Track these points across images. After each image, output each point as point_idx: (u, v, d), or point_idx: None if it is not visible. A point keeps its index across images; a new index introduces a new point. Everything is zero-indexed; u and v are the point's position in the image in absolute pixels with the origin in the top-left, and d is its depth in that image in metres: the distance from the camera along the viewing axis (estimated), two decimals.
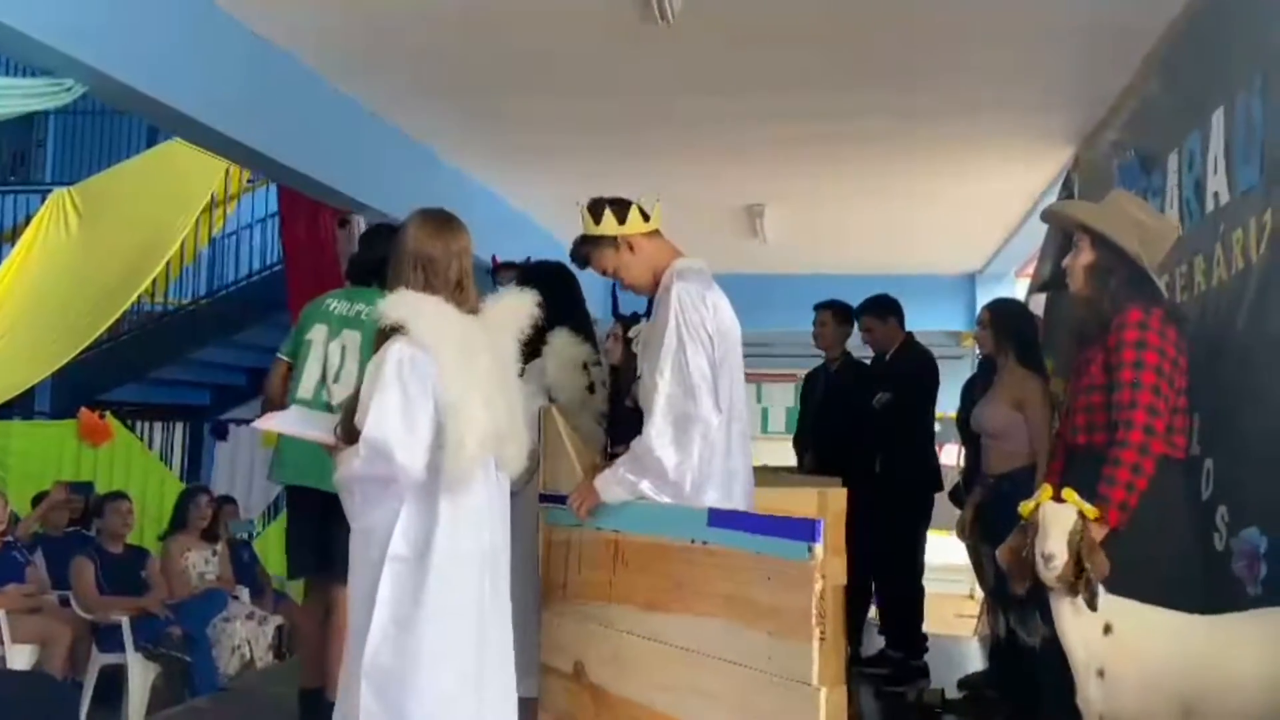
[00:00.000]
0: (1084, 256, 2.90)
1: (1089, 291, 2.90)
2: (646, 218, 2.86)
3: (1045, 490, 2.66)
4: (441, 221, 2.59)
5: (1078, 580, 2.50)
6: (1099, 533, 2.65)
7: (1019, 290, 9.09)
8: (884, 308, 5.11)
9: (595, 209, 2.86)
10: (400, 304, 2.45)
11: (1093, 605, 2.49)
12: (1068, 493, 2.59)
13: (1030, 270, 7.92)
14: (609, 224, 2.84)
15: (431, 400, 2.38)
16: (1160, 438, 2.67)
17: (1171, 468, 2.73)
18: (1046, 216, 3.46)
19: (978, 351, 5.06)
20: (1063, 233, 5.05)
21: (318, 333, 3.62)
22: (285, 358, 3.71)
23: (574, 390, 3.21)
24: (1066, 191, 5.67)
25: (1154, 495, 2.66)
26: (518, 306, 2.62)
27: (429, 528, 2.40)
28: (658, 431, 2.64)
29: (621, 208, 2.85)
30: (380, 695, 2.37)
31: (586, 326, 3.44)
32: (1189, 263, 3.45)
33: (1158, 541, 2.67)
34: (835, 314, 5.30)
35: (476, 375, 2.43)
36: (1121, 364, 2.71)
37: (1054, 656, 2.66)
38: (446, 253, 2.54)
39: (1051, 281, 5.24)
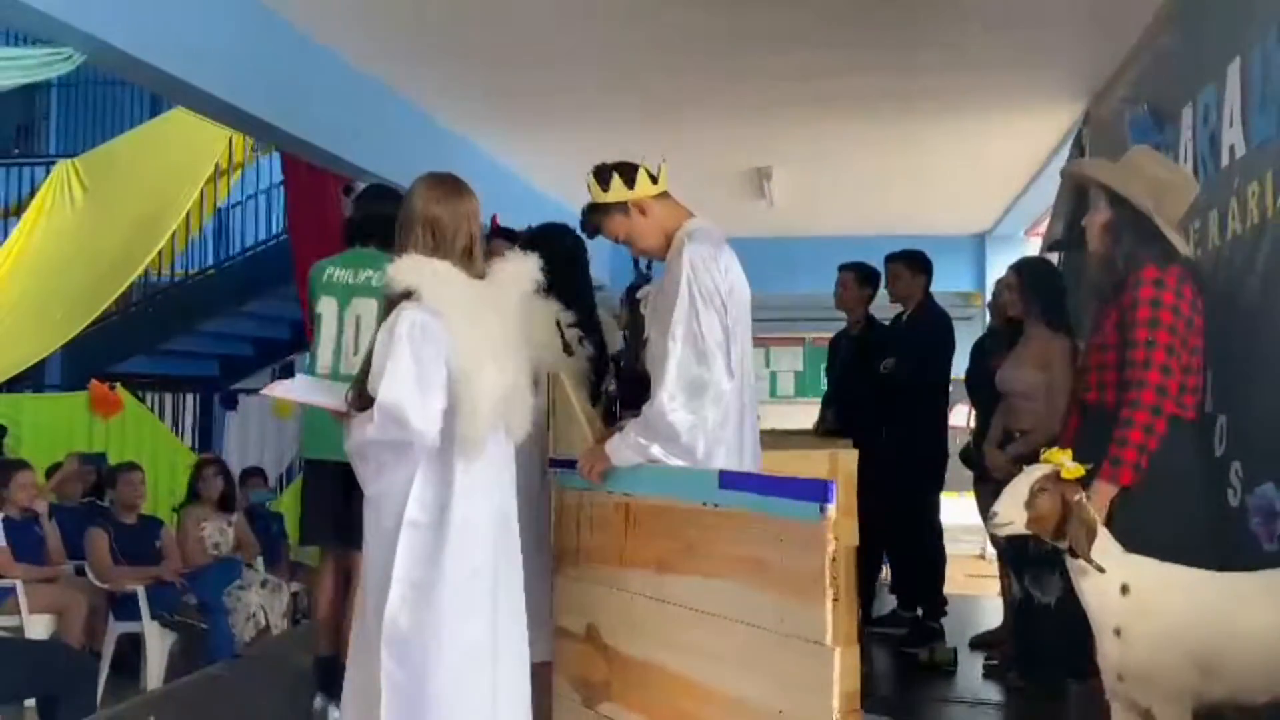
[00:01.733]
0: (1100, 215, 2.87)
1: (1105, 250, 2.87)
2: (654, 180, 2.82)
3: (1053, 452, 2.64)
4: (449, 185, 2.57)
5: (1060, 539, 2.51)
6: (1104, 493, 2.64)
7: (1029, 251, 9.04)
8: (917, 261, 5.06)
9: (602, 175, 2.82)
10: (410, 269, 2.43)
11: (1097, 568, 2.48)
12: (1053, 453, 2.57)
13: (1041, 230, 7.86)
14: (617, 189, 2.80)
15: (444, 365, 2.38)
16: (1172, 398, 2.65)
17: (1181, 427, 2.72)
18: (1065, 175, 3.42)
19: (988, 314, 5.02)
20: (1075, 191, 5.04)
21: (327, 306, 3.59)
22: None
23: (547, 352, 3.10)
24: (1077, 149, 5.61)
25: (1165, 455, 2.65)
26: (521, 270, 2.60)
27: (444, 493, 2.41)
28: (669, 395, 2.62)
29: (628, 171, 2.81)
30: (401, 660, 2.38)
31: (577, 289, 3.35)
32: (1203, 218, 3.41)
33: (1170, 501, 2.66)
34: (857, 275, 5.26)
35: (487, 339, 2.43)
36: (1136, 323, 2.69)
37: (1072, 615, 2.66)
38: (455, 216, 2.52)
39: (1064, 241, 5.21)
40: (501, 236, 3.88)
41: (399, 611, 2.39)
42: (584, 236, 3.11)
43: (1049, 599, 3.98)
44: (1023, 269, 4.33)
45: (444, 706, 2.37)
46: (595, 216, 2.87)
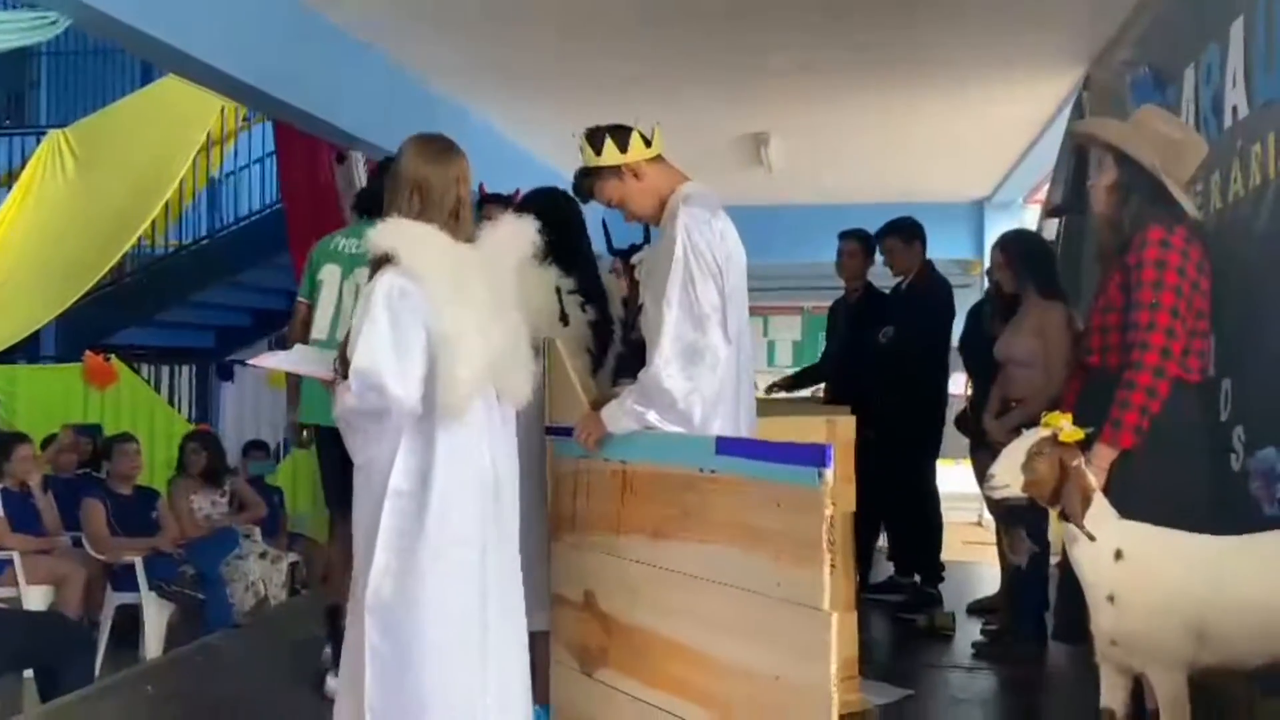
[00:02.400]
0: (1107, 175, 2.84)
1: (1111, 211, 2.84)
2: (648, 143, 2.78)
3: (1053, 415, 2.62)
4: (439, 147, 2.52)
5: (1056, 504, 2.51)
6: (1104, 456, 2.62)
7: (1028, 217, 8.99)
8: (909, 231, 5.03)
9: (594, 138, 2.78)
10: (390, 232, 2.38)
11: (1088, 535, 2.47)
12: (1053, 416, 2.57)
13: (1040, 196, 7.81)
14: (610, 153, 2.76)
15: (424, 331, 2.33)
16: (1176, 360, 2.62)
17: (1185, 390, 2.70)
18: (1071, 136, 3.38)
19: (986, 282, 4.99)
20: (1076, 155, 4.99)
21: (329, 273, 3.63)
22: (304, 300, 3.72)
23: (542, 319, 3.07)
24: (1077, 113, 5.55)
25: (1167, 418, 2.63)
26: (516, 234, 2.55)
27: (428, 461, 2.36)
28: (665, 362, 2.59)
29: (622, 135, 2.76)
30: (384, 630, 2.36)
31: (575, 255, 3.33)
32: (1205, 180, 3.37)
33: (1172, 464, 2.64)
34: (862, 244, 5.23)
35: (470, 304, 2.37)
36: (1141, 284, 2.66)
37: (1064, 579, 2.66)
38: (444, 179, 2.46)
39: (1065, 206, 5.17)
40: (491, 203, 3.85)
41: (382, 581, 2.36)
42: (579, 201, 3.07)
43: (1020, 560, 4.00)
44: (1008, 245, 4.31)
45: (428, 677, 2.34)
46: (587, 180, 2.83)
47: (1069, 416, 2.58)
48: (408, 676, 2.34)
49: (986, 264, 5.29)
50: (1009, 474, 2.56)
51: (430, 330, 2.33)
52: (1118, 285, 2.77)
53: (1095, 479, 2.57)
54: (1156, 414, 2.62)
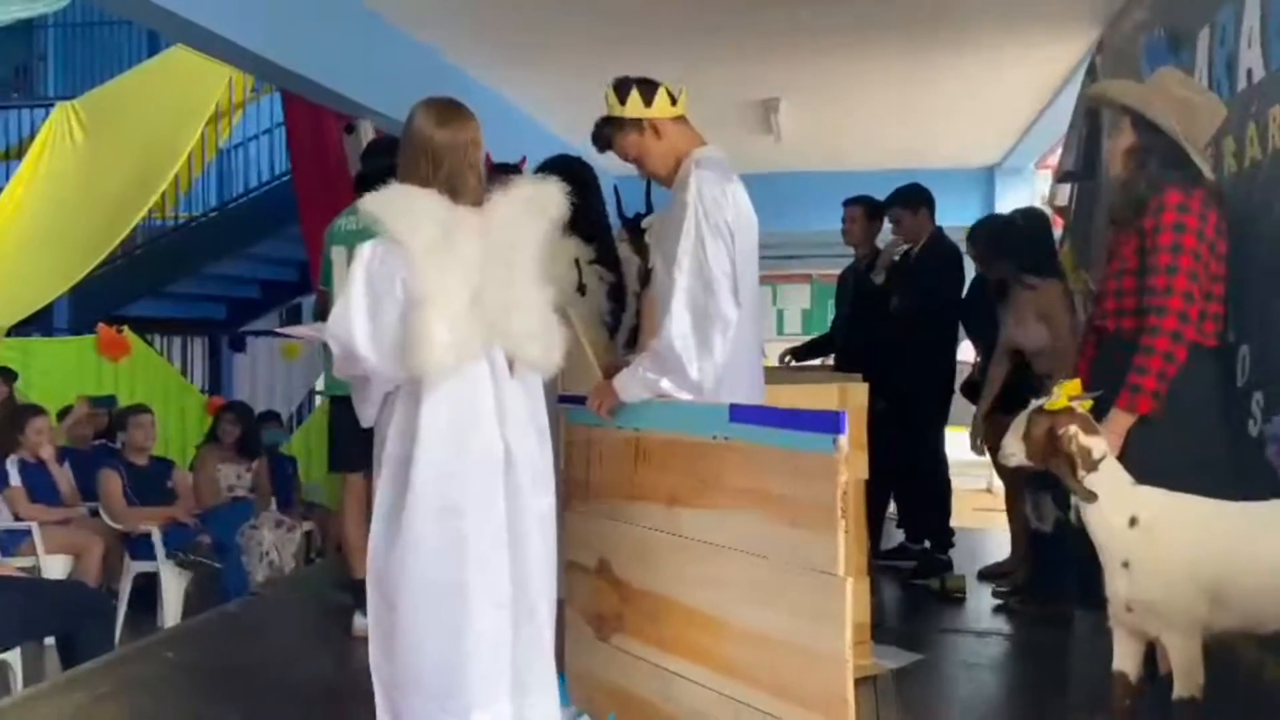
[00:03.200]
0: (1124, 139, 2.81)
1: (1128, 174, 2.82)
2: (674, 101, 2.75)
3: (1065, 385, 2.64)
4: (449, 110, 2.47)
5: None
6: (1121, 421, 2.63)
7: (1040, 183, 8.94)
8: (914, 198, 5.00)
9: (621, 89, 2.75)
10: (375, 200, 2.35)
11: (1086, 494, 2.51)
12: (1065, 385, 2.59)
13: (1051, 162, 7.76)
14: (634, 105, 2.73)
15: (402, 294, 2.29)
16: (1193, 325, 2.62)
17: (1202, 355, 2.69)
18: (1087, 98, 3.36)
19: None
20: (1089, 120, 4.96)
21: (338, 254, 3.72)
22: (323, 288, 3.82)
23: (559, 289, 3.05)
24: (1090, 76, 5.50)
25: (1185, 383, 2.62)
26: (535, 195, 2.47)
27: (413, 426, 2.33)
28: (677, 329, 2.58)
29: (649, 89, 2.73)
30: (378, 589, 2.39)
31: (594, 225, 3.33)
32: (1219, 143, 3.34)
33: (1189, 430, 2.64)
34: (865, 209, 5.21)
35: (459, 267, 2.31)
36: (1158, 248, 2.64)
37: (1079, 544, 2.67)
38: (454, 141, 2.41)
39: (1077, 171, 5.14)
40: (499, 172, 3.86)
41: (377, 543, 2.38)
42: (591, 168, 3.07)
43: (1046, 526, 4.02)
44: (978, 239, 4.32)
45: (410, 642, 2.34)
46: (608, 129, 2.80)
47: (1076, 385, 2.60)
48: (400, 641, 2.35)
49: None
50: (1013, 443, 2.65)
51: (410, 292, 2.29)
52: (1133, 249, 2.75)
53: (1111, 444, 2.58)
54: (1173, 379, 2.61)
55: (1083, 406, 2.61)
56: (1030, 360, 4.13)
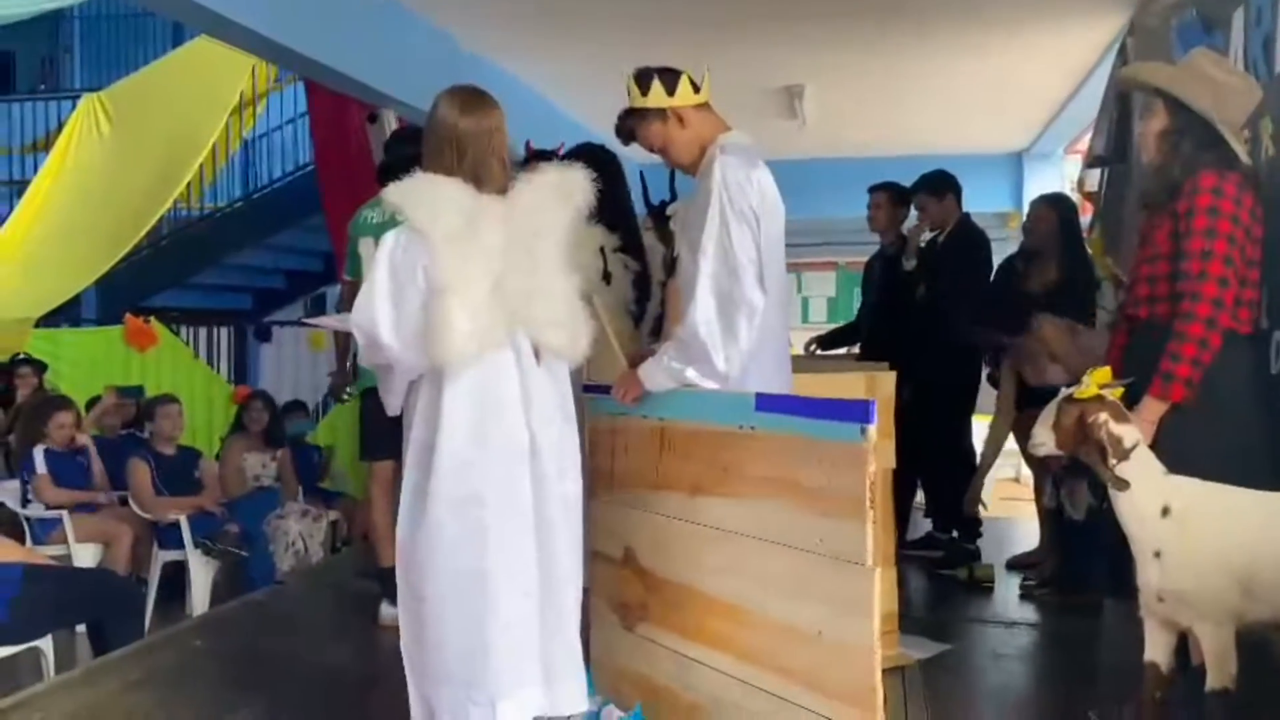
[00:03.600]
0: (1156, 121, 2.76)
1: (1161, 158, 2.76)
2: (696, 89, 2.72)
3: (1095, 372, 2.61)
4: (473, 98, 2.46)
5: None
6: (1153, 410, 2.59)
7: (1069, 168, 8.83)
8: (939, 184, 4.96)
9: (642, 79, 2.72)
10: (398, 190, 2.35)
11: (1118, 482, 2.49)
12: (1095, 373, 2.57)
13: (1080, 147, 7.65)
14: (657, 95, 2.70)
15: (424, 283, 2.29)
16: (1228, 311, 2.57)
17: (1237, 342, 2.64)
18: (1119, 81, 3.30)
19: (1023, 236, 4.92)
20: (1120, 103, 4.88)
21: (365, 246, 3.75)
22: (349, 277, 3.85)
23: (585, 273, 3.03)
24: (1121, 59, 5.41)
25: (1219, 370, 2.58)
26: (561, 182, 2.46)
27: (435, 414, 2.34)
28: (702, 317, 2.56)
29: (671, 78, 2.70)
30: (406, 576, 2.41)
31: (619, 212, 3.31)
32: (1254, 126, 3.27)
33: (1223, 419, 2.60)
34: (890, 195, 5.17)
35: (481, 255, 2.31)
36: (1192, 232, 2.59)
37: (1110, 533, 2.63)
38: (479, 129, 2.41)
39: (1108, 155, 5.07)
40: (537, 159, 3.86)
41: (403, 530, 2.40)
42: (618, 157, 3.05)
43: (1079, 515, 3.99)
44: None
45: (436, 631, 2.35)
46: (630, 121, 2.77)
47: (1106, 372, 2.58)
48: (427, 629, 2.37)
49: (1024, 218, 5.23)
50: (1044, 433, 2.63)
51: (432, 281, 2.29)
52: (1166, 235, 2.70)
53: (1143, 432, 2.55)
54: (1208, 366, 2.57)
55: (1113, 394, 2.58)
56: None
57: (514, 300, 2.34)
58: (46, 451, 5.33)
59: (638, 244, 3.25)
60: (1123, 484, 2.48)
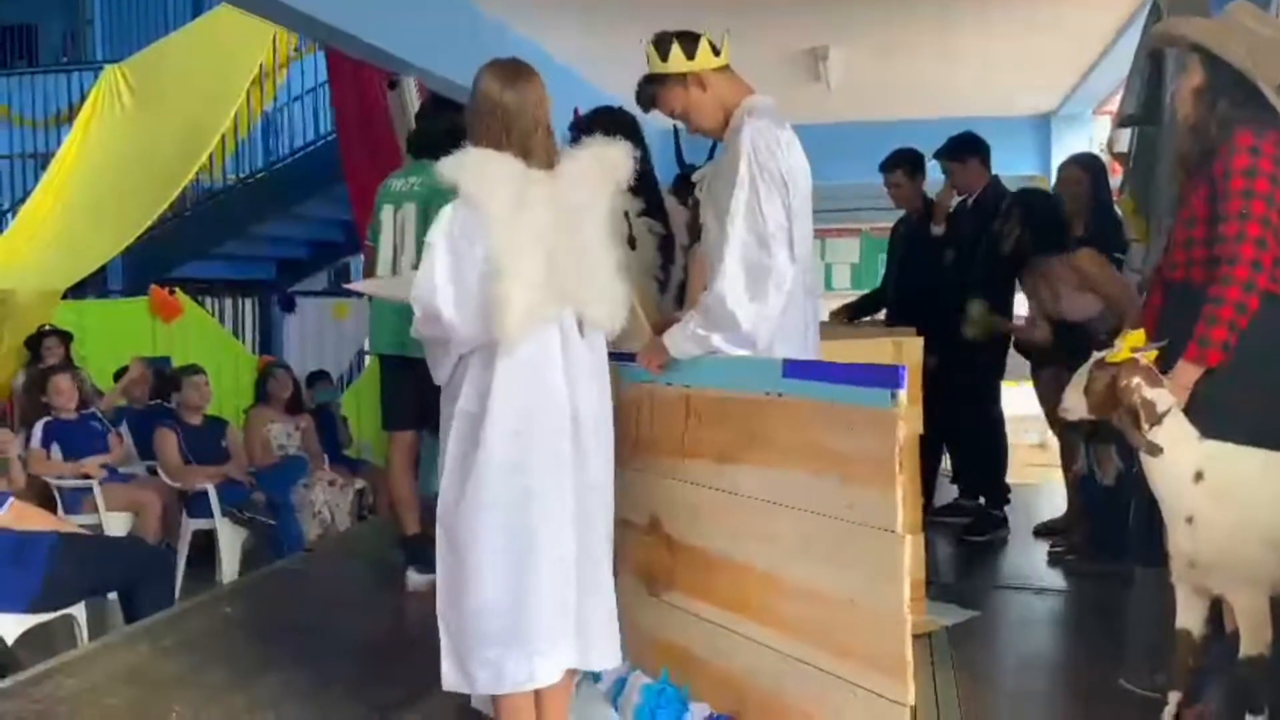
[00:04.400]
0: (1192, 78, 2.68)
1: (1196, 116, 2.69)
2: (716, 52, 2.67)
3: (1128, 336, 2.57)
4: (516, 71, 2.47)
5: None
6: (1188, 374, 2.55)
7: (1097, 129, 8.68)
8: (961, 149, 4.87)
9: (661, 44, 2.67)
10: (453, 164, 2.37)
11: (1150, 447, 2.45)
12: (1128, 336, 2.53)
13: (1110, 108, 7.52)
14: (677, 60, 2.65)
15: (482, 258, 2.31)
16: (1266, 273, 2.51)
17: (1276, 305, 2.58)
18: (1151, 37, 3.21)
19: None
20: (1153, 61, 4.77)
21: (386, 213, 3.81)
22: (370, 244, 3.89)
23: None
24: (1154, 16, 5.28)
25: (1256, 333, 2.53)
26: (606, 156, 2.46)
27: (487, 385, 2.37)
28: (730, 283, 2.53)
29: (690, 42, 2.66)
30: (448, 540, 2.43)
31: (643, 177, 3.28)
32: None
33: (1261, 382, 2.55)
34: (905, 170, 5.09)
35: (534, 231, 2.33)
36: (1229, 193, 2.53)
37: (1141, 500, 2.60)
38: (522, 102, 2.41)
39: (1139, 115, 4.96)
40: (588, 125, 3.85)
41: (447, 494, 2.43)
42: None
43: (1108, 480, 3.94)
44: (1027, 207, 4.22)
45: (477, 592, 2.38)
46: (651, 87, 2.73)
47: (1140, 335, 2.54)
48: (468, 589, 2.40)
49: (1053, 180, 5.15)
50: (1074, 397, 2.59)
51: (489, 256, 2.31)
52: (1203, 198, 2.64)
53: (1177, 397, 2.51)
54: (1245, 329, 2.52)
55: (1146, 358, 2.53)
56: (1083, 326, 4.04)
57: (564, 276, 2.37)
58: (51, 423, 5.38)
59: (660, 207, 3.22)
60: (1156, 449, 2.45)
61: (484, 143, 2.41)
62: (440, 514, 2.45)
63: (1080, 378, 2.58)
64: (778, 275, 2.52)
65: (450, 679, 2.45)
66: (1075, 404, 2.59)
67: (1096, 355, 2.58)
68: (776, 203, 2.52)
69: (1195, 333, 2.54)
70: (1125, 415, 2.48)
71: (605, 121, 2.96)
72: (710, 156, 2.96)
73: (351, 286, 3.11)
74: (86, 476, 5.31)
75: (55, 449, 5.39)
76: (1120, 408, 2.48)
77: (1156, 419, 2.46)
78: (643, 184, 3.08)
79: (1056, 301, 4.03)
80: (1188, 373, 2.56)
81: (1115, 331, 3.55)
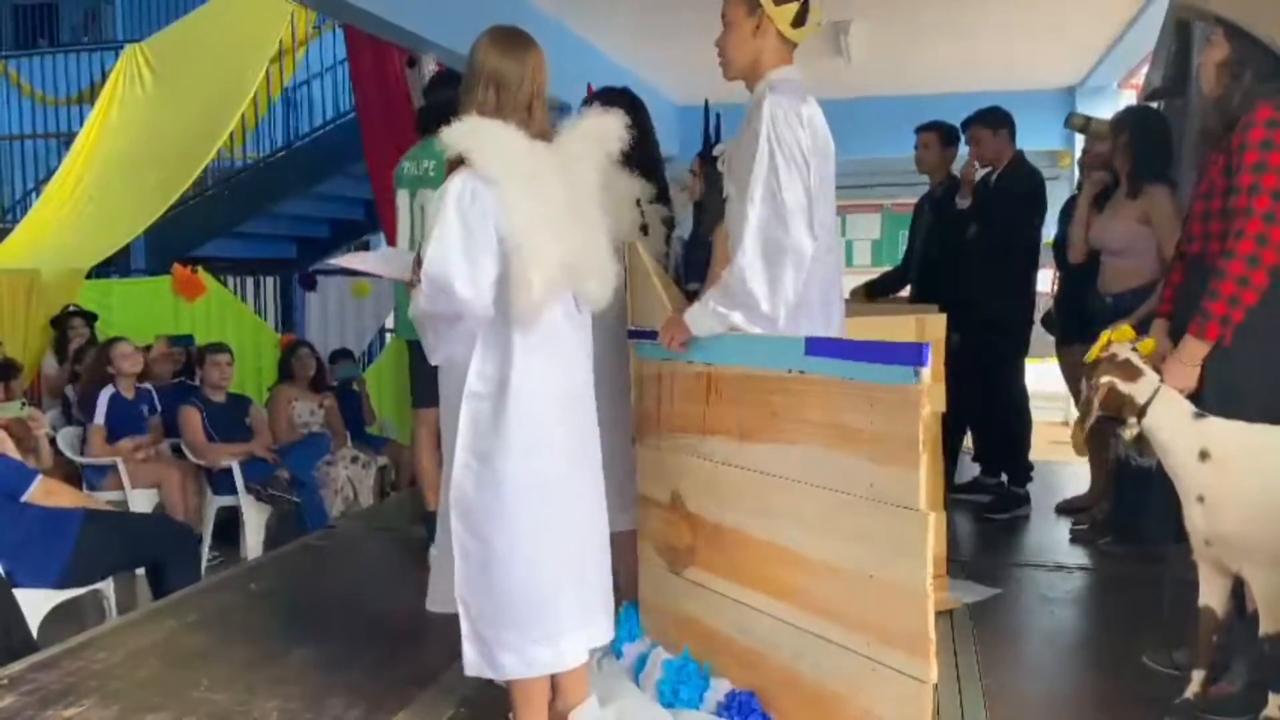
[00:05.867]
0: (1216, 51, 2.64)
1: (1220, 90, 2.65)
2: (796, 25, 2.60)
3: (1113, 332, 2.58)
4: (513, 38, 2.43)
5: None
6: (1193, 349, 2.54)
7: (1123, 102, 8.57)
8: (995, 118, 4.81)
9: None
10: (462, 133, 2.30)
11: (1141, 453, 2.52)
12: (1118, 332, 2.56)
13: (1136, 81, 7.43)
14: None
15: (495, 233, 2.27)
16: (1275, 248, 2.47)
17: None
18: (1176, 10, 3.16)
19: (1078, 173, 4.78)
20: (1180, 33, 4.69)
21: (402, 198, 3.79)
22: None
23: (624, 228, 2.96)
24: None
25: (1268, 308, 2.49)
26: (600, 130, 2.44)
27: (504, 365, 2.34)
28: (749, 261, 2.51)
29: None
30: (470, 528, 2.39)
31: (652, 162, 3.26)
32: None
33: (1271, 358, 2.52)
34: (940, 135, 5.04)
35: (545, 205, 2.30)
36: (1242, 166, 2.50)
37: (1165, 480, 2.59)
38: (519, 70, 2.37)
39: (1165, 88, 4.89)
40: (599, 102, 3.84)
41: (463, 479, 2.39)
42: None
43: (1149, 462, 3.91)
44: (1129, 119, 4.07)
45: (508, 577, 2.36)
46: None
47: (1127, 331, 2.58)
48: (493, 574, 2.38)
49: (1078, 154, 5.08)
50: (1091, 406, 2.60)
51: (502, 232, 2.27)
52: (1221, 169, 2.61)
53: (1180, 374, 2.54)
54: (1253, 305, 2.49)
55: (1143, 348, 2.54)
56: (1109, 270, 3.94)
57: (571, 252, 2.35)
58: (113, 396, 5.42)
59: (666, 194, 3.21)
60: (1134, 446, 2.52)
61: (483, 111, 2.35)
62: (455, 499, 2.40)
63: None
64: (796, 254, 2.50)
65: (473, 665, 2.43)
66: (1094, 410, 2.58)
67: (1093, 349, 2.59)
68: (796, 180, 2.49)
69: (1200, 307, 2.52)
70: (1086, 410, 2.55)
71: (607, 98, 2.94)
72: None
73: (343, 261, 3.04)
74: (129, 456, 5.38)
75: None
76: (1090, 405, 2.53)
77: (1140, 411, 2.47)
78: (653, 168, 3.07)
79: (1110, 219, 3.93)
80: (1193, 348, 2.55)
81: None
